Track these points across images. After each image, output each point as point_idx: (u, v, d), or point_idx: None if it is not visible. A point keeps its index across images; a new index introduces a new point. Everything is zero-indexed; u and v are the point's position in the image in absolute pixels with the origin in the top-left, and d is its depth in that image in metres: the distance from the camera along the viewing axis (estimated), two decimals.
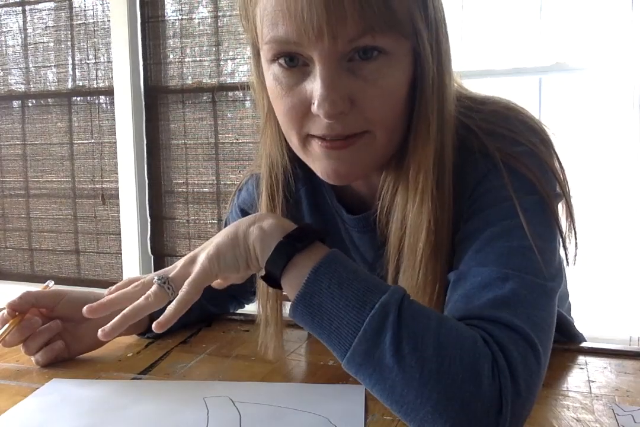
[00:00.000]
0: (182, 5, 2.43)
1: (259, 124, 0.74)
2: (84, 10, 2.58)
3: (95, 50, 2.58)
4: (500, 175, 0.64)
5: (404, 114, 0.62)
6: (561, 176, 0.67)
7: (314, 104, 0.59)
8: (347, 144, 0.62)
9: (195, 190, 2.47)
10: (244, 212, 0.89)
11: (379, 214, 0.70)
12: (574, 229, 0.67)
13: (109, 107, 2.58)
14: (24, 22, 2.70)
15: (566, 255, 0.67)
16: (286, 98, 0.61)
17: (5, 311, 0.74)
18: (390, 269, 0.69)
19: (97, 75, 2.59)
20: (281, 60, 0.60)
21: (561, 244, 0.65)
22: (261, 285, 0.74)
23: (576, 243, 0.68)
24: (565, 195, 0.67)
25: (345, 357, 0.54)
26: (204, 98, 2.43)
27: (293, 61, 0.60)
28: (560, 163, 0.68)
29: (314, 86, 0.59)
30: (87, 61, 2.60)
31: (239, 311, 1.01)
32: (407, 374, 0.51)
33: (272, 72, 0.62)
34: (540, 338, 0.55)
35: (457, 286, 0.61)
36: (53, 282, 0.84)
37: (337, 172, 0.64)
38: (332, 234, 0.79)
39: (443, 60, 0.62)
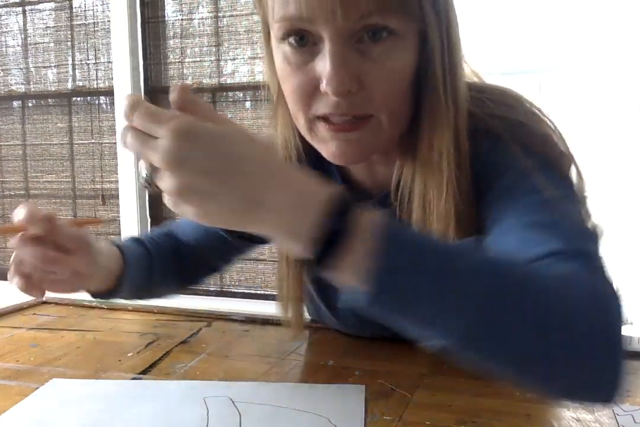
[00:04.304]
0: (182, 6, 2.43)
1: (270, 108, 0.74)
2: (84, 11, 2.59)
3: (95, 50, 2.59)
4: (508, 144, 0.64)
5: (409, 97, 0.63)
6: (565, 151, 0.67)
7: (322, 81, 0.59)
8: (354, 127, 0.62)
9: None
10: None
11: (398, 202, 0.69)
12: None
13: (109, 107, 2.58)
14: (24, 22, 2.70)
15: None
16: (295, 77, 0.62)
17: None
18: None
19: (97, 76, 2.59)
20: (291, 39, 0.61)
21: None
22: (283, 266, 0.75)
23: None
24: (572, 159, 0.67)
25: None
26: (204, 98, 2.43)
27: (303, 40, 0.60)
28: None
29: (323, 64, 0.59)
30: (87, 61, 2.60)
31: (239, 311, 1.01)
32: (533, 348, 0.46)
33: (281, 52, 0.62)
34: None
35: (498, 232, 0.59)
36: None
37: (344, 152, 0.64)
38: None
39: (452, 46, 0.63)
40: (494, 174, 0.64)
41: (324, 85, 0.59)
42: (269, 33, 0.66)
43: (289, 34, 0.61)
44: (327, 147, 0.64)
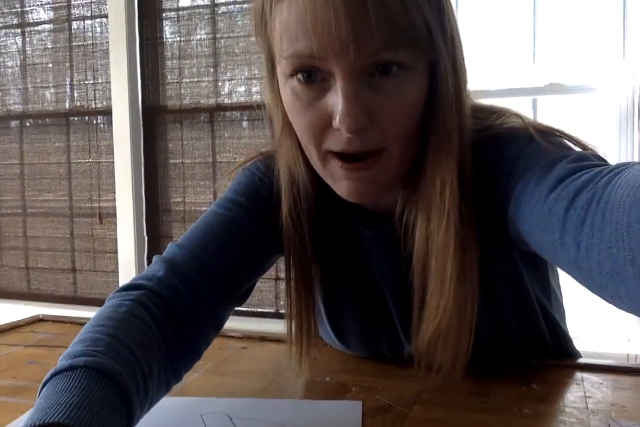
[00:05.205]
0: (181, 27, 2.46)
1: (274, 139, 0.72)
2: (83, 32, 2.61)
3: (93, 71, 2.61)
4: (512, 142, 0.64)
5: (419, 129, 0.62)
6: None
7: (335, 119, 0.58)
8: (367, 165, 0.62)
9: (192, 209, 2.47)
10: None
11: (400, 232, 0.68)
12: None
13: (106, 127, 2.60)
14: (23, 43, 2.73)
15: None
16: (306, 113, 0.61)
17: None
18: (417, 291, 0.68)
19: (95, 96, 2.61)
20: (299, 76, 0.60)
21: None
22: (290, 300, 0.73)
23: None
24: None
25: None
26: (202, 118, 2.45)
27: (311, 77, 0.59)
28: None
29: (335, 101, 0.58)
30: (86, 82, 2.63)
31: (236, 328, 1.01)
32: None
33: (290, 87, 0.61)
34: None
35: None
36: None
37: (358, 191, 0.63)
38: (352, 240, 0.78)
39: (460, 75, 0.62)
40: (508, 169, 0.63)
41: (337, 123, 0.58)
42: (273, 67, 0.65)
43: (297, 71, 0.59)
44: (341, 186, 0.64)
